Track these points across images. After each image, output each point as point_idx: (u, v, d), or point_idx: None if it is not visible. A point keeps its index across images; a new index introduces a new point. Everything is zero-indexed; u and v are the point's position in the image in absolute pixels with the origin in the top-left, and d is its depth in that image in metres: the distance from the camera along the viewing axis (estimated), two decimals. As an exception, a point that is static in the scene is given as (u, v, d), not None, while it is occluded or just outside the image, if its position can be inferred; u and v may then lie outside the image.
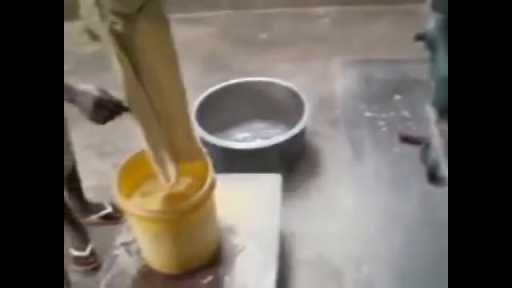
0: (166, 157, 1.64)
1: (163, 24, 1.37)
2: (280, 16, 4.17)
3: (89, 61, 3.49)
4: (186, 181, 1.83)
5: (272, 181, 2.18)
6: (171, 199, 1.80)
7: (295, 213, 2.38)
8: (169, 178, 1.71)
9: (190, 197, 1.69)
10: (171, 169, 1.67)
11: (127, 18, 1.28)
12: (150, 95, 1.47)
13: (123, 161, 1.83)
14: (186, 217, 1.72)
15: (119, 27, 1.28)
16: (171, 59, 1.45)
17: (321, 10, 4.19)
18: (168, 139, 1.63)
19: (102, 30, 1.30)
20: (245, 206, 2.06)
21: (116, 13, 1.26)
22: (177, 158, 1.67)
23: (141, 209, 1.71)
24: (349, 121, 3.01)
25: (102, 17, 1.28)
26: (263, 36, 3.96)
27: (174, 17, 1.52)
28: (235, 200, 2.03)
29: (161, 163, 1.68)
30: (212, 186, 1.75)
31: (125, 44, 1.34)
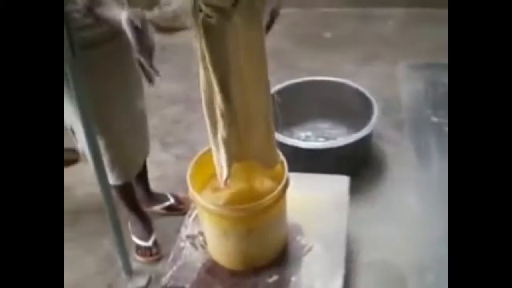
0: (223, 160, 1.60)
1: (257, 19, 1.35)
2: (344, 16, 4.12)
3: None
4: (259, 178, 1.82)
5: (340, 182, 2.15)
6: (243, 196, 1.79)
7: (359, 217, 2.34)
8: (222, 180, 1.67)
9: (264, 196, 1.67)
10: (224, 172, 1.63)
11: (222, 11, 1.27)
12: (232, 93, 1.44)
13: (197, 155, 1.82)
14: (258, 215, 1.71)
15: (213, 20, 1.27)
16: (261, 56, 1.43)
17: (386, 11, 4.12)
18: (241, 142, 1.59)
19: (195, 22, 1.29)
20: (313, 206, 2.03)
21: (212, 6, 1.25)
22: (231, 160, 1.61)
23: (214, 204, 1.70)
24: (415, 125, 2.95)
25: (196, 9, 1.27)
26: (327, 35, 3.93)
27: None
28: (303, 200, 2.00)
29: (219, 164, 1.65)
30: (286, 186, 1.73)
31: (215, 38, 1.32)
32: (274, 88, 2.80)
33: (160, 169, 2.73)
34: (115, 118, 1.99)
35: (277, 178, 1.76)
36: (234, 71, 1.39)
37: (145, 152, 2.28)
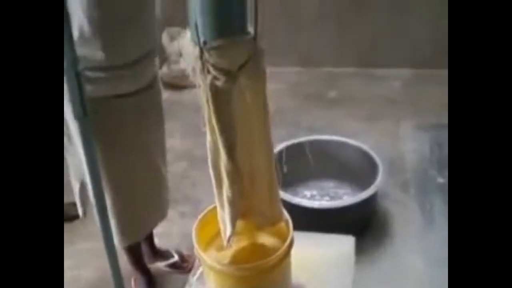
0: (228, 218, 1.61)
1: (262, 79, 1.39)
2: (350, 75, 4.19)
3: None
4: (264, 236, 1.81)
5: (346, 242, 2.13)
6: (248, 254, 1.78)
7: (364, 278, 2.31)
8: (225, 238, 1.67)
9: (268, 254, 1.66)
10: (228, 230, 1.63)
11: (229, 74, 1.30)
12: (237, 154, 1.46)
13: (202, 213, 1.82)
14: (263, 274, 1.69)
15: (220, 82, 1.30)
16: (265, 116, 1.46)
17: (392, 71, 4.19)
18: (246, 199, 1.59)
19: (203, 83, 1.32)
20: (318, 266, 2.01)
21: (219, 69, 1.29)
22: (236, 219, 1.60)
23: (219, 263, 1.69)
24: (420, 186, 2.95)
25: (205, 71, 1.30)
26: (332, 94, 3.98)
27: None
28: (307, 260, 1.98)
29: (223, 222, 1.66)
30: (291, 246, 1.72)
31: (221, 100, 1.35)
32: (279, 147, 2.83)
33: (165, 226, 2.71)
34: (125, 182, 2.01)
35: (282, 237, 1.76)
36: (239, 131, 1.41)
37: (161, 215, 2.28)
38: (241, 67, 1.31)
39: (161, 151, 2.17)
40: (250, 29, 1.36)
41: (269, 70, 4.38)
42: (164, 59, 4.04)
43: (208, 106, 1.37)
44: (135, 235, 2.20)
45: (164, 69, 4.06)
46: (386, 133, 3.43)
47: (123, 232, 2.09)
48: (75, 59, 1.50)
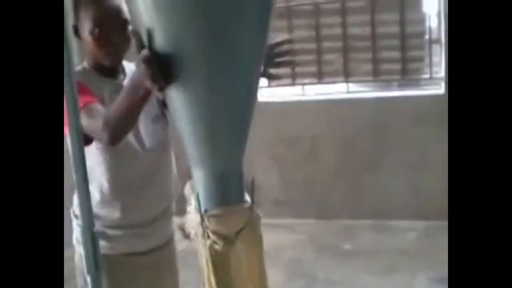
0: None
1: (258, 243, 1.51)
2: (364, 228, 4.28)
3: (179, 257, 3.68)
4: None
5: None
6: None
7: None
8: None
9: None
10: None
11: (226, 238, 1.43)
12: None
13: None
14: None
15: (218, 246, 1.43)
16: (261, 276, 1.56)
17: (406, 223, 4.27)
18: None
19: (203, 247, 1.45)
20: None
21: (217, 234, 1.42)
22: None
23: None
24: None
25: (205, 236, 1.44)
26: (347, 246, 4.05)
27: (262, 222, 1.65)
28: None
29: None
30: None
31: (219, 262, 1.47)
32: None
33: None
34: None
35: None
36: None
37: None
38: (238, 232, 1.44)
39: None
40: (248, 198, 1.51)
41: (287, 221, 4.54)
42: (185, 210, 4.20)
43: (208, 267, 1.49)
44: None
45: (185, 218, 4.21)
46: (400, 286, 3.44)
47: None
48: (91, 220, 1.64)
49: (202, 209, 1.43)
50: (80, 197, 1.53)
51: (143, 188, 1.95)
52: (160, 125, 1.98)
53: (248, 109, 1.37)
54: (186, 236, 2.19)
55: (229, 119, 1.37)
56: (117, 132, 1.67)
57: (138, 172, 1.94)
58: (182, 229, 3.05)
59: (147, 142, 1.92)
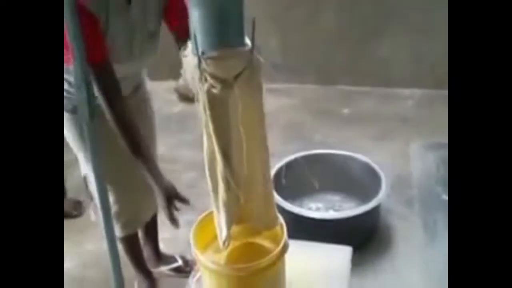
0: (223, 221, 1.67)
1: (257, 89, 1.46)
2: (363, 94, 4.25)
3: (175, 120, 3.70)
4: (260, 240, 1.88)
5: (342, 253, 2.18)
6: (244, 257, 1.84)
7: (362, 289, 2.37)
8: (221, 241, 1.73)
9: (264, 256, 1.73)
10: (224, 233, 1.69)
11: (225, 82, 1.38)
12: (232, 159, 1.53)
13: (200, 217, 1.90)
14: (256, 276, 1.75)
15: (216, 90, 1.38)
16: (260, 124, 1.53)
17: (406, 91, 4.24)
18: (241, 205, 1.66)
19: (201, 91, 1.41)
20: (313, 275, 2.06)
21: (215, 77, 1.37)
22: (231, 222, 1.66)
23: (213, 262, 1.76)
24: (425, 203, 2.99)
25: (202, 79, 1.39)
26: (345, 111, 4.05)
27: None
28: (303, 268, 2.04)
29: (219, 226, 1.72)
30: (284, 249, 1.79)
31: (217, 107, 1.44)
32: (285, 159, 2.90)
33: (171, 232, 2.79)
34: (124, 175, 2.09)
35: (278, 241, 1.82)
36: (235, 139, 1.49)
37: (154, 207, 2.36)
38: (236, 76, 1.39)
39: (153, 146, 2.27)
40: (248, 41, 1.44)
41: (286, 86, 4.52)
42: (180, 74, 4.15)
43: (205, 113, 1.45)
44: (134, 224, 2.29)
45: (181, 81, 4.17)
46: (395, 151, 3.48)
47: (122, 221, 2.18)
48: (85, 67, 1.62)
49: (200, 51, 1.36)
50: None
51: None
52: (156, 38, 2.00)
53: None
54: (182, 98, 2.09)
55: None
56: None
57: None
58: (178, 91, 3.03)
59: (141, 57, 1.98)
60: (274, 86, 4.19)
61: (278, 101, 4.07)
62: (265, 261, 1.73)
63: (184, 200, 1.93)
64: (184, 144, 3.49)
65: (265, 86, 4.49)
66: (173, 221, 1.91)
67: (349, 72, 4.38)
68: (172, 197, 1.90)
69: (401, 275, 2.53)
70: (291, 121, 3.88)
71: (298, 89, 4.32)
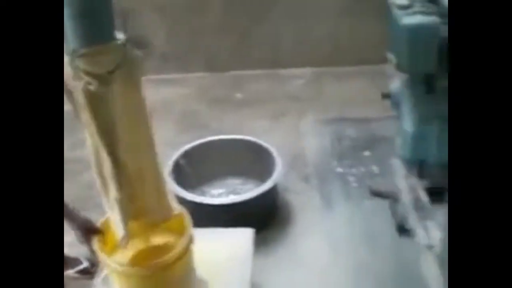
0: (118, 219, 1.66)
1: (136, 85, 1.46)
2: (255, 77, 4.31)
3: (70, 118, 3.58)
4: (164, 235, 1.88)
5: (244, 235, 2.24)
6: (150, 254, 1.83)
7: (267, 267, 2.42)
8: (119, 239, 1.73)
9: (169, 252, 1.73)
10: (120, 231, 1.68)
11: (101, 78, 1.37)
12: (119, 152, 1.52)
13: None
14: (164, 273, 1.76)
15: (92, 87, 1.36)
16: (143, 118, 1.53)
17: (295, 71, 4.34)
18: (135, 199, 1.65)
19: (77, 89, 1.39)
20: (218, 260, 2.10)
21: (90, 74, 1.35)
22: (127, 220, 1.67)
23: (118, 263, 1.75)
24: (321, 177, 3.10)
25: (77, 77, 1.37)
26: (238, 95, 4.09)
27: (150, 78, 1.61)
28: (208, 255, 2.06)
29: (115, 224, 1.71)
30: (190, 241, 1.80)
31: (97, 104, 1.42)
32: (183, 149, 2.91)
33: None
34: None
35: (181, 234, 1.83)
36: (120, 135, 1.48)
37: None
38: (112, 71, 1.38)
39: None
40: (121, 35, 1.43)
41: (178, 76, 4.46)
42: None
43: (86, 112, 1.43)
44: None
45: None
46: (290, 130, 3.56)
47: None
48: None
49: (70, 49, 1.34)
50: None
51: None
52: None
53: None
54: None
55: None
56: None
57: None
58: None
59: None
60: (166, 76, 4.16)
61: (171, 91, 4.04)
62: (170, 257, 1.74)
63: (100, 232, 1.84)
64: (82, 143, 3.37)
65: (157, 77, 4.50)
66: (94, 252, 1.82)
67: (239, 57, 4.41)
68: (90, 232, 1.83)
69: (304, 248, 2.61)
70: (186, 110, 3.87)
71: (191, 78, 4.30)
